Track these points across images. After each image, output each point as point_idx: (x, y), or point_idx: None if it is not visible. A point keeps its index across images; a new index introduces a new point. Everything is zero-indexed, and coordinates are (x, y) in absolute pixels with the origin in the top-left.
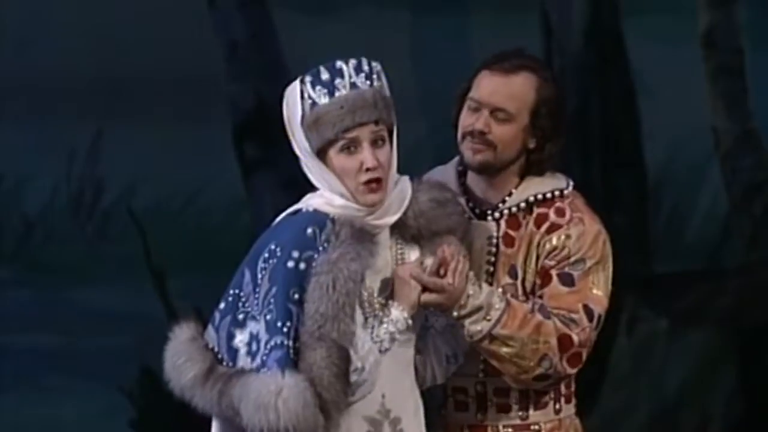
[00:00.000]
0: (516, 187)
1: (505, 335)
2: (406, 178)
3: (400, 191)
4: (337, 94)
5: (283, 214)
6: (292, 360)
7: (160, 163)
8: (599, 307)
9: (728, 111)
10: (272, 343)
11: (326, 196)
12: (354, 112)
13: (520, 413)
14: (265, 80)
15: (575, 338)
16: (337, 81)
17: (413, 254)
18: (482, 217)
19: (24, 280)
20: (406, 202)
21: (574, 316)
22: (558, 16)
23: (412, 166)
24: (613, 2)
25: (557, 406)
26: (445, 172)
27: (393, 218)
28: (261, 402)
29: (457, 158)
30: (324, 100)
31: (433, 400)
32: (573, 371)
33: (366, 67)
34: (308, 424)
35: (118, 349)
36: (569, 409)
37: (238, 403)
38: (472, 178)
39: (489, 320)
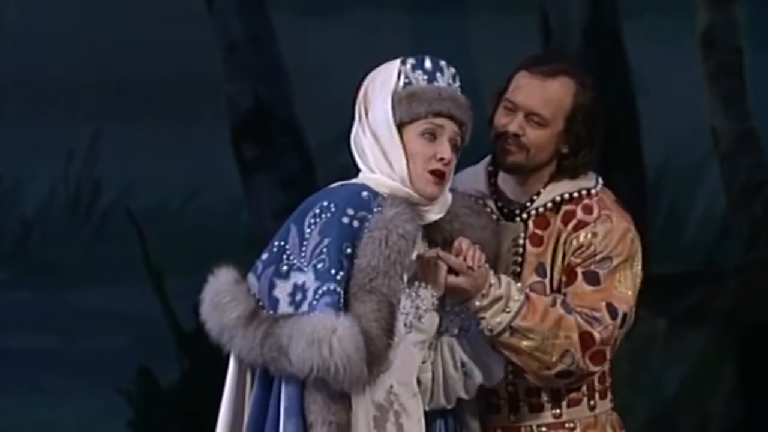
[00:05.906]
0: (544, 187)
1: (526, 327)
2: None
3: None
4: (435, 83)
5: (331, 186)
6: (342, 309)
7: (158, 164)
8: (624, 305)
9: (727, 111)
10: (324, 288)
11: (376, 178)
12: (449, 101)
13: (554, 411)
14: (264, 81)
15: (597, 336)
16: (438, 74)
17: None
18: (510, 217)
19: (22, 281)
20: (447, 207)
21: (596, 314)
22: (558, 17)
23: None
24: (613, 2)
25: (591, 403)
26: (476, 173)
27: (434, 217)
28: (316, 337)
29: (488, 158)
30: (422, 83)
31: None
32: (596, 369)
33: (460, 82)
34: (356, 369)
35: (117, 350)
36: (605, 405)
37: (287, 341)
38: (502, 179)
39: (509, 312)
